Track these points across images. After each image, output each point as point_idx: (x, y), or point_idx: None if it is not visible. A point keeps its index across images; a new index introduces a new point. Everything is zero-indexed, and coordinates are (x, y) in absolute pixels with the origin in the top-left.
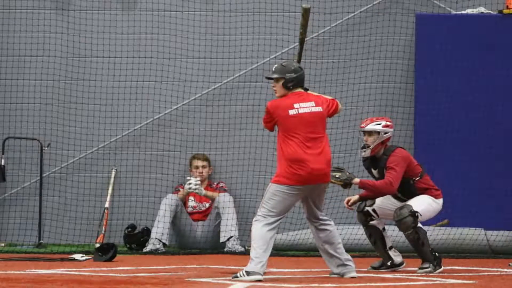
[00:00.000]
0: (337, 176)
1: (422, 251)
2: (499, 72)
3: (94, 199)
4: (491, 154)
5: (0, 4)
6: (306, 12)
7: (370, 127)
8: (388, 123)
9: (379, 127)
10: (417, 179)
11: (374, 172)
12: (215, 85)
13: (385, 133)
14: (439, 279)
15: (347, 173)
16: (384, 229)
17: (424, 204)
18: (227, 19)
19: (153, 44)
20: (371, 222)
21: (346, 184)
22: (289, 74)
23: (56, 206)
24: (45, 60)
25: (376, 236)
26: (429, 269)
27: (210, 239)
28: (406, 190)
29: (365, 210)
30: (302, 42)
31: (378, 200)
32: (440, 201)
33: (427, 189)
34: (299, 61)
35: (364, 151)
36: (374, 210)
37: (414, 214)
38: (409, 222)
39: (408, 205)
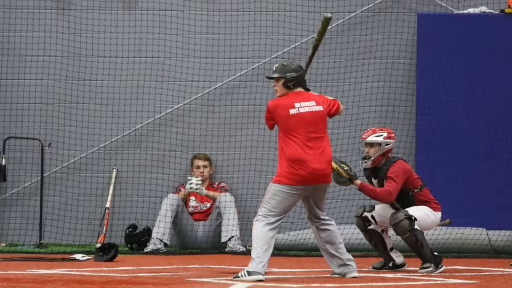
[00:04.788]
0: (345, 168)
1: (422, 252)
2: (500, 72)
3: (95, 199)
4: (492, 154)
5: (1, 3)
6: (326, 21)
7: (371, 138)
8: (390, 134)
9: (380, 139)
10: (416, 191)
11: (374, 182)
12: (216, 85)
13: (387, 144)
14: (441, 279)
15: (353, 171)
16: (383, 231)
17: (420, 212)
18: (228, 18)
19: (154, 44)
20: (370, 227)
21: (350, 179)
22: (290, 74)
23: (57, 206)
24: (46, 60)
25: (376, 239)
26: (430, 268)
27: (211, 239)
28: (405, 202)
29: (363, 216)
30: (315, 48)
31: (378, 208)
32: (439, 214)
33: (426, 202)
34: (308, 64)
35: (365, 162)
36: (372, 217)
37: (410, 217)
38: (405, 225)
39: (403, 210)
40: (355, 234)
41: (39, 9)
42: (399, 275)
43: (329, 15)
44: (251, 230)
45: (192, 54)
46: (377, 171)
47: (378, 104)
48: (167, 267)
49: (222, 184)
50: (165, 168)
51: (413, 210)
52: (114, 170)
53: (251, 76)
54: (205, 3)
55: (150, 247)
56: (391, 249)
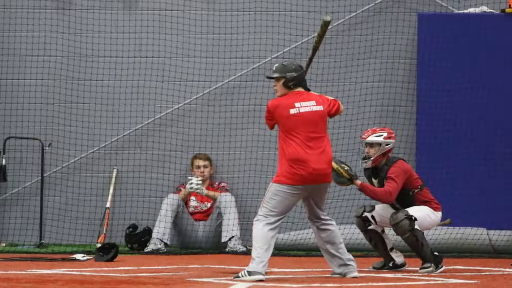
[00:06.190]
0: (345, 168)
1: (422, 252)
2: (501, 72)
3: (95, 199)
4: (493, 153)
5: (1, 3)
6: (325, 25)
7: (371, 138)
8: (390, 134)
9: (380, 139)
10: (416, 191)
11: (375, 181)
12: (217, 85)
13: (387, 144)
14: (441, 279)
15: (354, 171)
16: (383, 231)
17: (421, 212)
18: (229, 18)
19: (155, 44)
20: (370, 227)
21: (350, 179)
22: (290, 73)
23: (57, 206)
24: (46, 60)
25: (376, 239)
26: (430, 268)
27: (212, 239)
28: (406, 202)
29: (363, 216)
30: (315, 50)
31: (378, 208)
32: (439, 214)
33: (426, 201)
34: (308, 65)
35: (365, 162)
36: (373, 217)
37: (410, 217)
38: (405, 225)
39: (404, 210)
40: (355, 234)
41: (39, 9)
42: (399, 275)
43: (328, 18)
44: (251, 230)
45: (192, 54)
46: (377, 171)
47: (378, 104)
48: (167, 267)
49: (223, 184)
50: (165, 168)
51: (413, 210)
52: (114, 170)
53: (251, 76)
54: (205, 3)
55: (150, 247)
56: (391, 249)
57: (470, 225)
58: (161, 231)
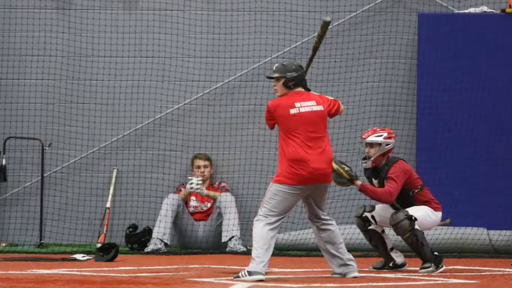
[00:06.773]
0: (346, 169)
1: (422, 252)
2: (501, 72)
3: (95, 199)
4: (493, 153)
5: (1, 3)
6: (325, 25)
7: (371, 138)
8: (390, 134)
9: (380, 139)
10: (416, 191)
11: (375, 182)
12: (217, 85)
13: (387, 144)
14: (441, 278)
15: (354, 172)
16: (383, 231)
17: (421, 212)
18: (229, 18)
19: (155, 44)
20: (370, 227)
21: (350, 180)
22: (290, 73)
23: (57, 206)
24: (46, 60)
25: (376, 239)
26: (431, 268)
27: (212, 239)
28: (406, 202)
29: (363, 216)
30: (315, 50)
31: (378, 208)
32: (439, 214)
33: (426, 202)
34: (308, 65)
35: (365, 163)
36: (373, 217)
37: (410, 218)
38: (406, 225)
39: (404, 210)
40: (355, 234)
41: (39, 9)
42: (399, 275)
43: (328, 18)
44: (251, 230)
45: (192, 54)
46: (377, 172)
47: (378, 104)
48: (167, 267)
49: (223, 184)
50: (165, 168)
51: (413, 210)
52: (115, 170)
53: (251, 76)
54: (205, 3)
55: (150, 247)
56: (392, 249)
57: (470, 225)
58: (161, 231)
